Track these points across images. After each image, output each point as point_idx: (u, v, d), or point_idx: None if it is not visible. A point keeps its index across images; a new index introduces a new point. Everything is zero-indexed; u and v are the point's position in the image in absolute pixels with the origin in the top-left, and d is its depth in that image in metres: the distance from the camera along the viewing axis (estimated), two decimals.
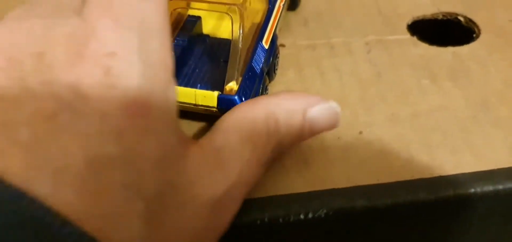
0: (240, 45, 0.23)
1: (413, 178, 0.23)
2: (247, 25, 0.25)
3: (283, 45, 0.31)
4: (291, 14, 0.33)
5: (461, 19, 0.33)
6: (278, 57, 0.28)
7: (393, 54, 0.30)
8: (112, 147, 0.15)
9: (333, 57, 0.30)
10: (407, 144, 0.24)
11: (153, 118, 0.16)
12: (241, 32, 0.23)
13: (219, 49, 0.26)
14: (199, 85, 0.23)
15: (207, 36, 0.27)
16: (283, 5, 0.29)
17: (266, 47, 0.26)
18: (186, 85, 0.23)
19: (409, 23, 0.32)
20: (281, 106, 0.21)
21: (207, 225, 0.18)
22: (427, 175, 0.23)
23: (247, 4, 0.24)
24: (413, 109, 0.26)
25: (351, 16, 0.33)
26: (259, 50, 0.25)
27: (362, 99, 0.27)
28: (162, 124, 0.16)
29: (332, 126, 0.22)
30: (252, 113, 0.20)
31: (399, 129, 0.25)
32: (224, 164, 0.18)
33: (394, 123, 0.26)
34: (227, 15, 0.24)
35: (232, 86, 0.23)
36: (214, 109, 0.23)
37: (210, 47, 0.26)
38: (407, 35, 0.31)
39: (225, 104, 0.22)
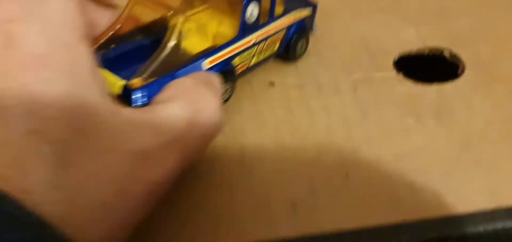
0: (167, 51, 0.24)
1: (397, 221, 0.24)
2: (206, 43, 0.27)
3: (272, 84, 0.31)
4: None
5: (446, 54, 0.34)
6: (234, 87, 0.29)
7: (379, 92, 0.31)
8: (16, 100, 0.16)
9: (321, 96, 0.30)
10: (392, 186, 0.25)
11: (53, 70, 0.17)
12: (174, 38, 0.25)
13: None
14: (122, 72, 0.24)
15: (177, 45, 0.26)
16: (261, 45, 0.30)
17: (204, 68, 0.26)
18: (111, 70, 0.24)
19: (396, 59, 0.33)
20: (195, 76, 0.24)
21: (131, 174, 0.19)
22: (411, 217, 0.24)
23: (192, 15, 0.26)
24: (397, 149, 0.27)
25: (339, 53, 0.34)
26: (192, 66, 0.26)
27: (349, 139, 0.28)
28: (65, 77, 0.17)
29: None
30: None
31: (384, 170, 0.26)
32: (156, 123, 0.20)
33: (379, 164, 0.26)
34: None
35: (136, 81, 0.23)
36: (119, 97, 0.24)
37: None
38: (393, 72, 0.32)
39: (124, 95, 0.23)
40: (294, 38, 0.32)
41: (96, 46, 0.26)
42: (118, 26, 0.27)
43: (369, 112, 0.29)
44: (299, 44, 0.32)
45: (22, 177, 0.16)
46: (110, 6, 0.28)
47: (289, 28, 0.31)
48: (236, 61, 0.28)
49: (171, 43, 0.24)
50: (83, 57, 0.19)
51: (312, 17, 0.33)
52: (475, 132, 0.28)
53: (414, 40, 0.34)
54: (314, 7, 0.33)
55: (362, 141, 0.28)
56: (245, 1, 0.27)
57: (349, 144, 0.28)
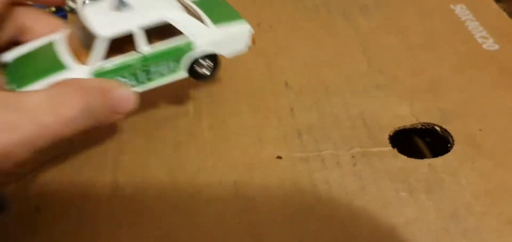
0: None
1: None
2: None
3: (280, 157, 0.35)
4: (287, 125, 0.38)
5: (438, 129, 0.37)
6: None
7: (376, 167, 0.34)
8: None
9: (324, 170, 0.34)
10: None
11: None
12: None
13: None
14: None
15: None
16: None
17: None
18: None
19: (391, 134, 0.37)
20: (92, 83, 0.29)
21: None
22: None
23: None
24: (392, 221, 0.30)
25: (339, 128, 0.37)
26: None
27: (349, 213, 0.31)
28: None
29: (131, 101, 0.30)
30: (71, 85, 0.27)
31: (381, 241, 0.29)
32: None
33: (376, 237, 0.30)
34: None
35: None
36: None
37: None
38: (388, 147, 0.36)
39: None
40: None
41: None
42: None
43: (367, 186, 0.33)
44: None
45: None
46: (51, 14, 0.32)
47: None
48: None
49: None
50: None
51: None
52: (462, 204, 0.31)
53: (408, 116, 0.38)
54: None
55: (361, 214, 0.31)
56: None
57: (349, 217, 0.31)
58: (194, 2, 0.35)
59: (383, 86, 0.41)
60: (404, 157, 0.35)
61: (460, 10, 0.51)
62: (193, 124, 0.38)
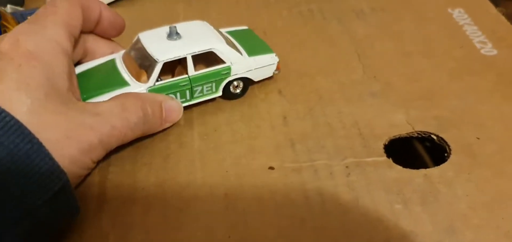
0: None
1: None
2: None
3: (272, 168, 0.34)
4: (280, 134, 0.37)
5: (434, 137, 0.36)
6: None
7: (370, 177, 0.33)
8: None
9: (317, 181, 0.33)
10: None
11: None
12: None
13: None
14: None
15: None
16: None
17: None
18: None
19: (386, 143, 0.36)
20: (148, 96, 0.35)
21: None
22: None
23: None
24: (386, 235, 0.29)
25: (333, 137, 0.36)
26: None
27: (342, 225, 0.30)
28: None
29: (179, 112, 0.37)
30: (132, 96, 0.34)
31: None
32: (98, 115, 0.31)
33: None
34: None
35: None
36: None
37: None
38: (383, 157, 0.35)
39: None
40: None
41: None
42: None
43: (360, 198, 0.32)
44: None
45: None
46: (108, 39, 0.40)
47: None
48: None
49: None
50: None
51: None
52: (458, 217, 0.30)
53: (404, 124, 0.37)
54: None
55: (355, 227, 0.30)
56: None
57: (342, 230, 0.30)
58: (229, 32, 0.42)
59: (378, 93, 0.40)
60: (399, 167, 0.34)
61: (458, 14, 0.50)
62: (183, 134, 0.37)
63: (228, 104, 0.40)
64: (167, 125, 0.37)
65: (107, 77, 0.37)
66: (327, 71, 0.43)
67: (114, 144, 0.33)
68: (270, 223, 0.31)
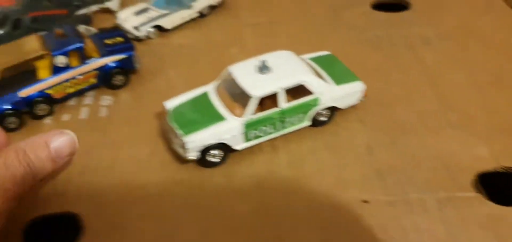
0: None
1: None
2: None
3: (366, 201, 0.35)
4: (366, 165, 0.38)
5: None
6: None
7: (463, 213, 0.34)
8: None
9: (411, 215, 0.34)
10: None
11: None
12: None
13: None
14: None
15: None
16: (75, 80, 0.43)
17: (21, 96, 0.42)
18: None
19: (473, 178, 0.37)
20: (27, 142, 0.30)
21: None
22: None
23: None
24: None
25: (421, 170, 0.37)
26: (10, 95, 0.42)
27: None
28: None
29: (74, 149, 0.31)
30: (12, 151, 0.30)
31: None
32: None
33: None
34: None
35: None
36: None
37: None
38: (473, 193, 0.36)
39: None
40: (111, 74, 0.46)
41: None
42: None
43: (456, 234, 0.33)
44: (117, 79, 0.46)
45: None
46: None
47: (103, 67, 0.45)
48: (51, 91, 0.43)
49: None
50: None
51: (129, 59, 0.46)
52: None
53: (488, 158, 0.38)
54: (131, 51, 0.46)
55: None
56: (52, 53, 0.43)
57: None
58: (312, 59, 0.43)
59: (457, 125, 0.41)
60: (491, 203, 0.35)
61: None
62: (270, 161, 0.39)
63: (310, 131, 0.41)
64: (64, 160, 0.31)
65: (203, 112, 0.38)
66: (404, 99, 0.44)
67: (13, 207, 0.30)
68: None
